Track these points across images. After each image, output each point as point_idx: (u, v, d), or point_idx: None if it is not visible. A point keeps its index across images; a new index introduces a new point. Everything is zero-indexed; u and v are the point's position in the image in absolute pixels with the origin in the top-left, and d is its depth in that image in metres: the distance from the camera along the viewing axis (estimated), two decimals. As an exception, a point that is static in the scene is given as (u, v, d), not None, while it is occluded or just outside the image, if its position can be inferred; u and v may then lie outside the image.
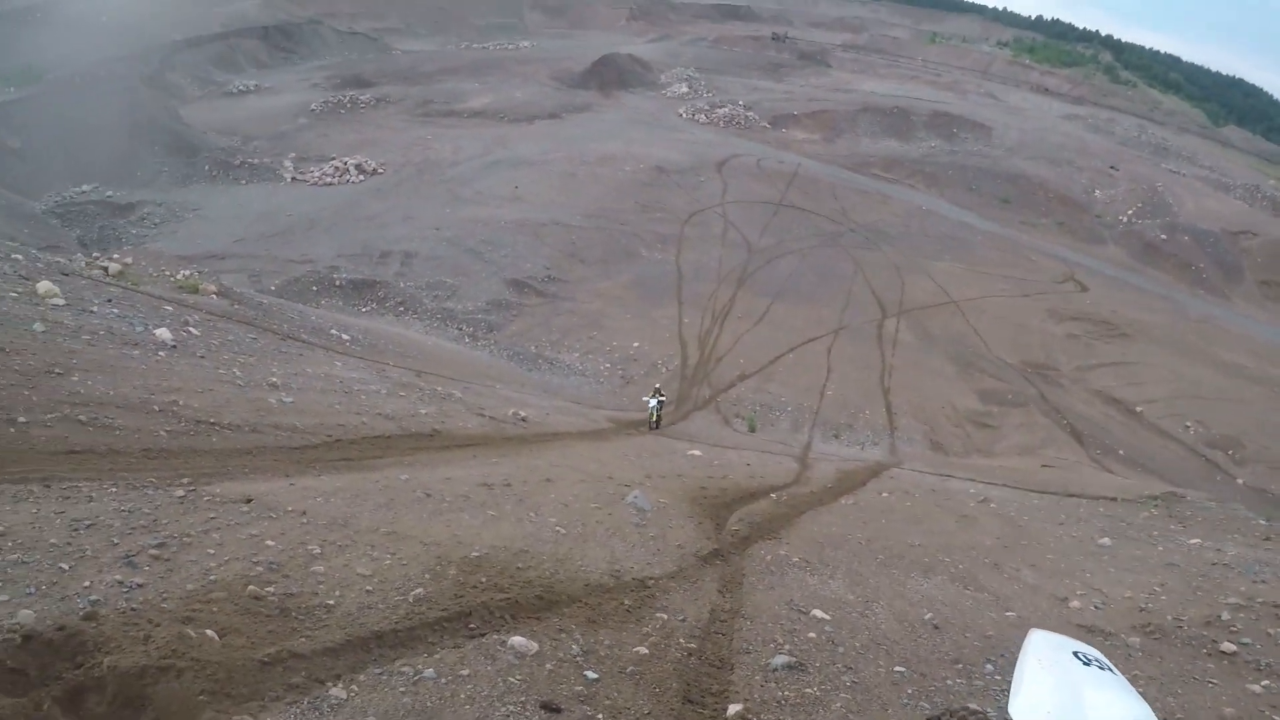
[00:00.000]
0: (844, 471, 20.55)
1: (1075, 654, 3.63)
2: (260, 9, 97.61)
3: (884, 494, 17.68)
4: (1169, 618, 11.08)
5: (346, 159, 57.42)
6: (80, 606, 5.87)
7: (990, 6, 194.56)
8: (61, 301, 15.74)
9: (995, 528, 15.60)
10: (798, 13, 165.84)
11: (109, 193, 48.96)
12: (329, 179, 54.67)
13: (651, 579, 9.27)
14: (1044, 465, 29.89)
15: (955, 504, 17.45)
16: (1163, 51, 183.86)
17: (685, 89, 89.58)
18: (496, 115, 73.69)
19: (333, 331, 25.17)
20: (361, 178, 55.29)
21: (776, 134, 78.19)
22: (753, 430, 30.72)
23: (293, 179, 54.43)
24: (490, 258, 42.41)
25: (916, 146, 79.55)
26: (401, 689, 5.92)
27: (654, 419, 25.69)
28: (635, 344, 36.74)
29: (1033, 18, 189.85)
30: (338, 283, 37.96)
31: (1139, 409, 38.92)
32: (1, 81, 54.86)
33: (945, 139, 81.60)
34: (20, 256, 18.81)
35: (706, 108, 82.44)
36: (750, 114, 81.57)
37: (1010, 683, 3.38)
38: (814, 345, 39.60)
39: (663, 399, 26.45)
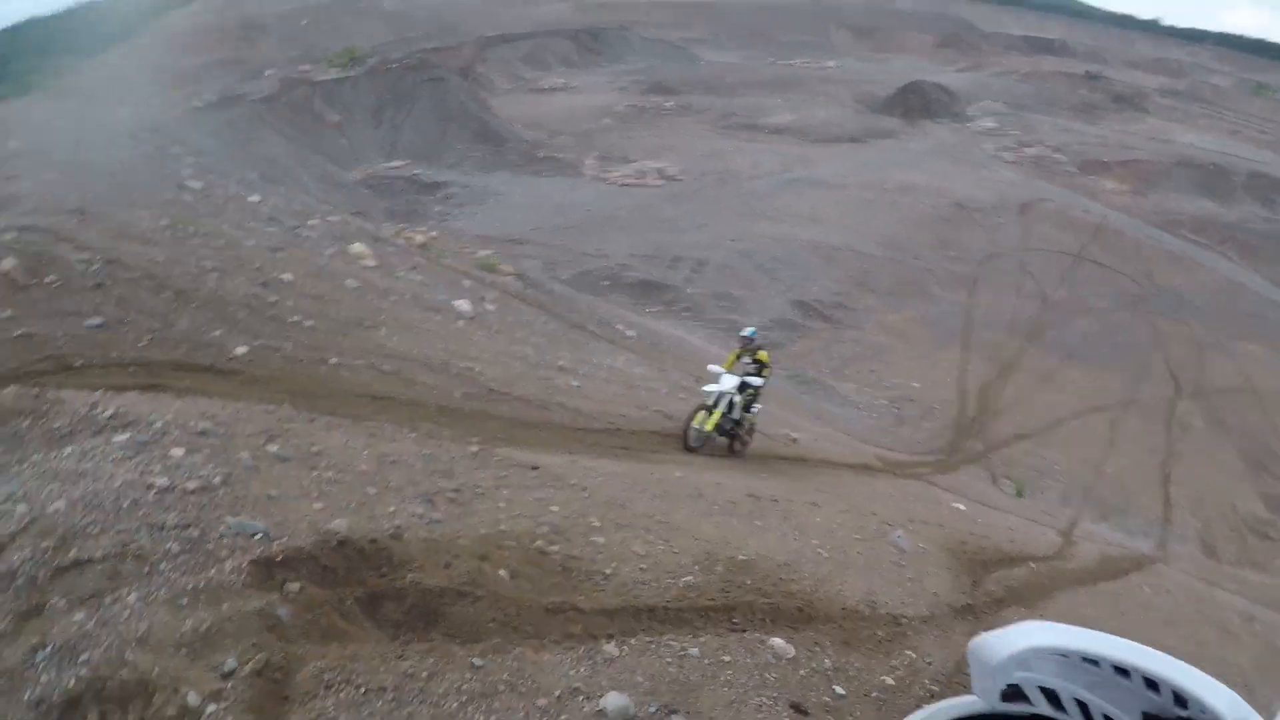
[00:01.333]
0: (1107, 556, 19.52)
1: None
2: (573, 11, 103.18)
3: (1145, 588, 16.86)
4: None
5: (647, 162, 59.49)
6: (386, 528, 6.66)
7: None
8: (372, 263, 17.52)
9: (1256, 650, 14.84)
10: (1113, 51, 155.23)
11: (417, 171, 53.95)
12: (628, 180, 56.74)
13: (904, 618, 9.39)
14: None
15: (1217, 615, 16.55)
16: None
17: (992, 124, 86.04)
18: (798, 134, 73.75)
19: (618, 326, 26.31)
20: (661, 182, 56.98)
21: (1084, 180, 73.48)
22: (1020, 495, 29.31)
23: (593, 176, 57.05)
24: (780, 275, 42.66)
25: (1232, 210, 72.14)
26: (669, 659, 6.37)
27: (709, 425, 13.72)
28: (915, 384, 35.80)
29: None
30: (627, 280, 39.34)
31: None
32: (326, 63, 61.19)
33: (1264, 205, 73.50)
34: (336, 219, 21.02)
35: (1013, 146, 78.80)
36: (1058, 156, 77.17)
37: None
38: (1098, 415, 36.91)
39: (755, 385, 14.35)
